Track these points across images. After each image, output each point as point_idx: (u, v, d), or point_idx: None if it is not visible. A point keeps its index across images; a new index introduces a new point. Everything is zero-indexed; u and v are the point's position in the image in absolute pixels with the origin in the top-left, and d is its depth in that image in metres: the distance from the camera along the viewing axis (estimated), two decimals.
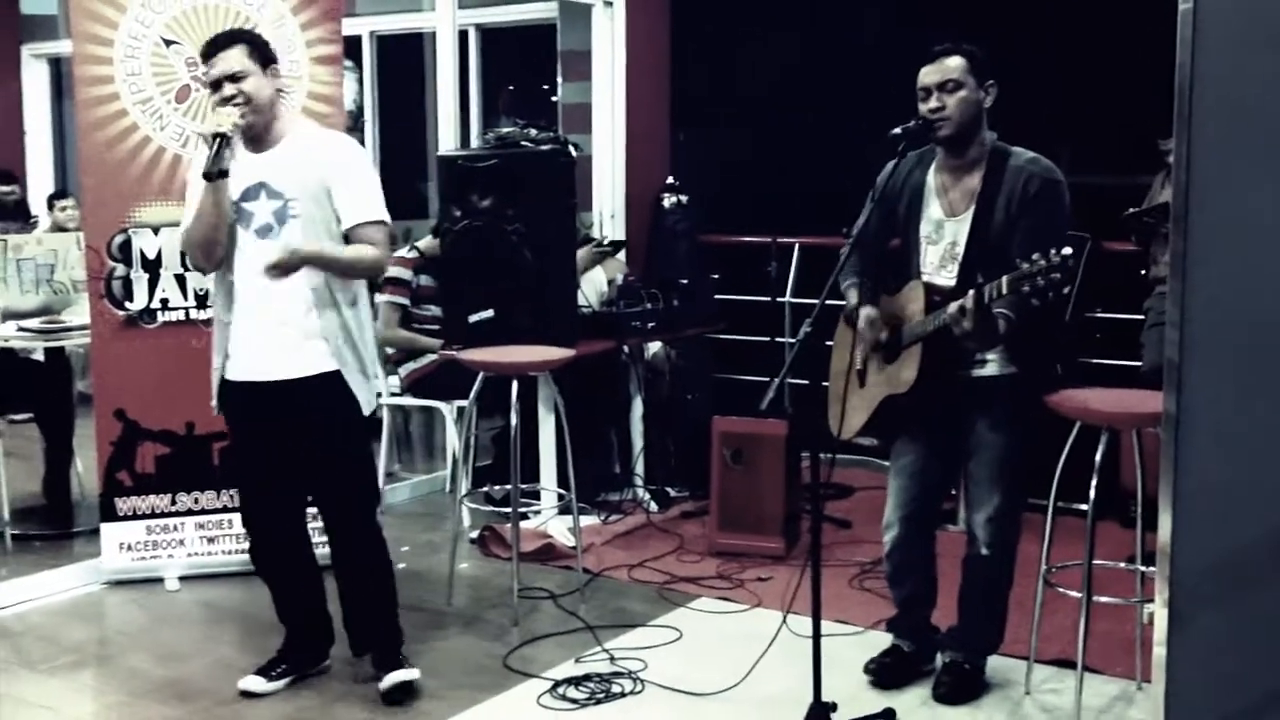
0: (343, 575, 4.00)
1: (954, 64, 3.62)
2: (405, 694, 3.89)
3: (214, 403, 3.94)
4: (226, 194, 3.71)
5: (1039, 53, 5.88)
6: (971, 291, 3.47)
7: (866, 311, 3.83)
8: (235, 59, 3.70)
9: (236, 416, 3.95)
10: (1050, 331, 3.93)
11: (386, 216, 3.85)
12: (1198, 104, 2.37)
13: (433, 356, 5.85)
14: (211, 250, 3.80)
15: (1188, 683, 2.53)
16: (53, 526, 5.70)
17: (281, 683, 4.00)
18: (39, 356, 5.88)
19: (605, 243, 6.17)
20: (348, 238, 3.80)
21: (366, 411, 3.87)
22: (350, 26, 8.44)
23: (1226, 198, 2.38)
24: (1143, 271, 5.29)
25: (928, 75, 3.65)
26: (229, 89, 3.68)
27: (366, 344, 3.91)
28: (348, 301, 3.85)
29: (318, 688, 4.02)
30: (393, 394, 6.15)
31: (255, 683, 3.98)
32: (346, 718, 3.83)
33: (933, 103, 3.63)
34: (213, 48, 3.74)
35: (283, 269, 3.66)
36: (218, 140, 3.62)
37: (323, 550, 4.08)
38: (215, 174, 3.64)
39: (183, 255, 4.89)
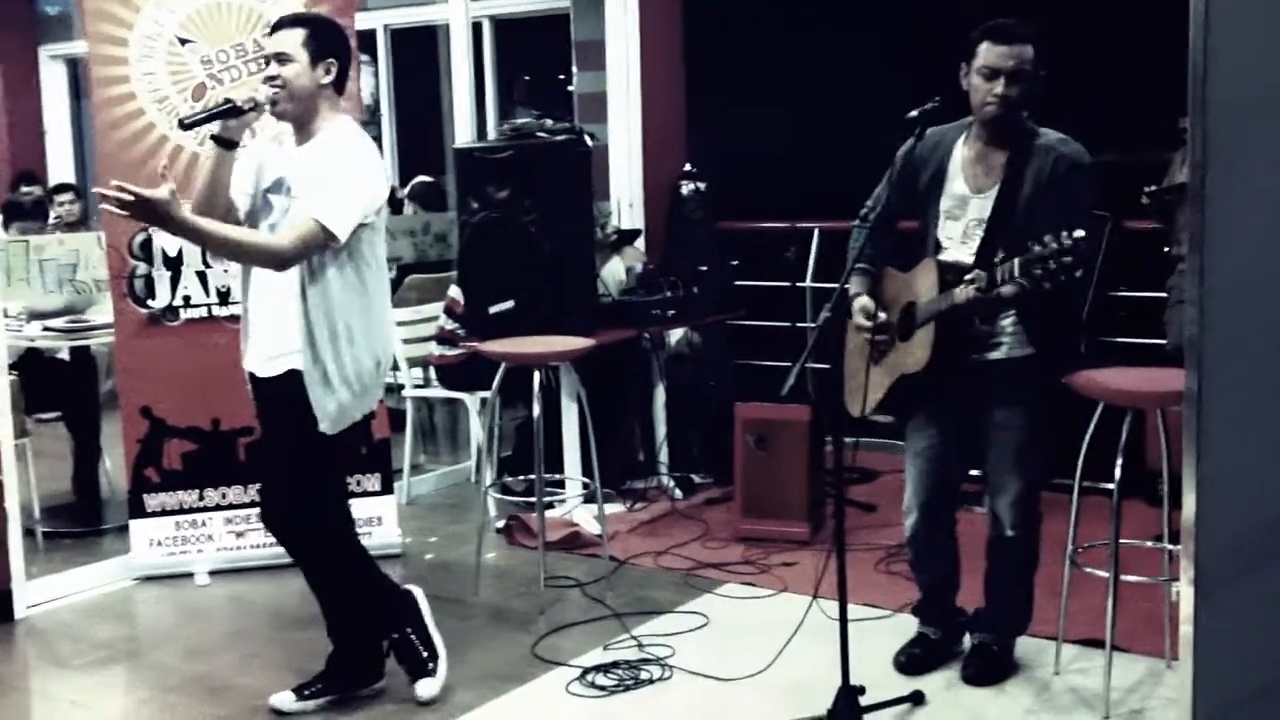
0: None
1: (1029, 52, 3.50)
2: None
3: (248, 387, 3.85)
4: (227, 167, 3.63)
5: (1057, 28, 5.84)
6: (978, 274, 3.45)
7: (860, 301, 3.77)
8: (287, 41, 3.59)
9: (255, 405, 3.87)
10: (1069, 314, 3.89)
11: (331, 222, 3.47)
12: (1211, 81, 2.35)
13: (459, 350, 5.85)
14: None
15: (1215, 660, 2.52)
16: (82, 524, 5.74)
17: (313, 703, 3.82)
18: (64, 356, 5.92)
19: (611, 235, 6.15)
20: None
21: (325, 428, 3.60)
22: (364, 20, 8.49)
23: (1243, 174, 2.36)
24: (1165, 249, 5.25)
25: (1002, 58, 3.48)
26: (272, 68, 3.61)
27: (344, 356, 3.60)
28: (330, 307, 3.58)
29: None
30: (416, 386, 6.17)
31: (284, 700, 3.81)
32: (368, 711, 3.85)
33: (999, 89, 3.49)
34: (275, 25, 3.68)
35: (132, 210, 3.30)
36: (224, 104, 3.58)
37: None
38: (187, 125, 3.61)
39: (203, 252, 4.92)
